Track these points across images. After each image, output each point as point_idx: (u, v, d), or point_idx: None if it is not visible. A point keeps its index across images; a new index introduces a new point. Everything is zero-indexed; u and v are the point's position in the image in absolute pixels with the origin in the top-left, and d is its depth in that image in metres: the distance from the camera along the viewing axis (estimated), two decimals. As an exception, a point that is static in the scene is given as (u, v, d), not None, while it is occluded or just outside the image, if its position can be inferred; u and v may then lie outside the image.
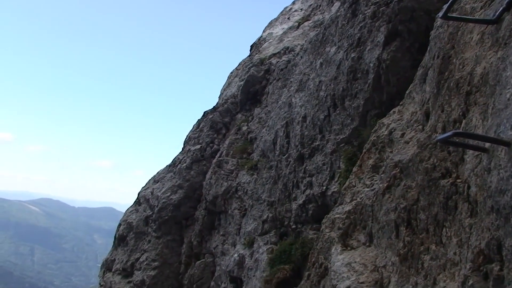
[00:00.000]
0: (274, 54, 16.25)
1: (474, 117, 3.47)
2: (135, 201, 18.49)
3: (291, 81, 12.23)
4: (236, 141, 15.07)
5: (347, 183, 6.58)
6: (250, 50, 19.38)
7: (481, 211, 3.14)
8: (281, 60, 15.25)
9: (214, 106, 17.97)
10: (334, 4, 14.49)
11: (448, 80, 4.21)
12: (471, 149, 3.32)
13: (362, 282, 4.99)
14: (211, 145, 16.32)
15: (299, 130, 10.02)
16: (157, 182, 17.26)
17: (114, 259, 17.36)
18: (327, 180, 8.52)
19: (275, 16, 20.72)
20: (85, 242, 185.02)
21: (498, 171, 2.79)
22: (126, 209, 19.00)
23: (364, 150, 6.39)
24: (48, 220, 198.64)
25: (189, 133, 18.00)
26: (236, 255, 11.59)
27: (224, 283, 12.20)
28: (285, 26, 18.35)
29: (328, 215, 6.72)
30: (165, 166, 18.16)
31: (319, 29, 12.10)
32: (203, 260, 13.99)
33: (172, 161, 17.58)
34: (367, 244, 5.48)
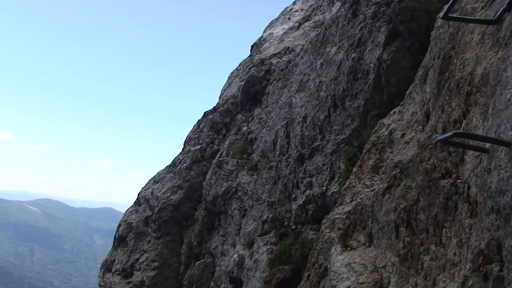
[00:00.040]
0: (274, 54, 16.23)
1: (475, 118, 3.47)
2: (135, 202, 18.48)
3: (291, 82, 12.22)
4: (236, 142, 15.06)
5: (347, 183, 6.57)
6: (251, 50, 19.38)
7: (481, 211, 3.14)
8: (281, 60, 15.23)
9: (214, 107, 17.97)
10: (335, 4, 14.48)
11: (449, 81, 4.21)
12: (471, 149, 3.32)
13: (362, 283, 4.99)
14: (211, 145, 16.31)
15: (299, 130, 10.02)
16: (157, 183, 17.25)
17: (114, 260, 17.35)
18: (327, 181, 8.52)
19: (276, 16, 20.70)
20: (85, 242, 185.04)
21: (498, 171, 2.79)
22: (126, 209, 18.99)
23: (364, 151, 6.39)
24: (48, 220, 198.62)
25: (189, 134, 18.00)
26: (235, 255, 11.58)
27: (224, 283, 12.19)
28: (286, 26, 18.35)
29: (328, 216, 6.71)
30: (165, 166, 18.16)
31: (319, 29, 12.10)
32: (203, 260, 13.98)
33: (172, 162, 17.58)
34: (367, 244, 5.48)
